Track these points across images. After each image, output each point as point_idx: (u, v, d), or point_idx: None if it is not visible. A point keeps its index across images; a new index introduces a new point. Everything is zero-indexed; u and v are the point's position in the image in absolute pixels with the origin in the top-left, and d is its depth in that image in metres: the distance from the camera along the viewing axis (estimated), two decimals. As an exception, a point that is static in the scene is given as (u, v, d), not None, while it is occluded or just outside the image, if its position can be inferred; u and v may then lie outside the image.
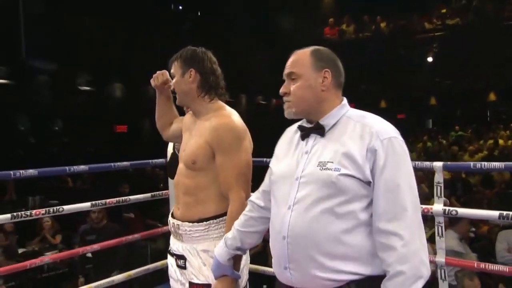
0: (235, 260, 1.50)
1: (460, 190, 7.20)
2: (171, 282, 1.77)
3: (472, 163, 2.39)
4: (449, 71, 12.44)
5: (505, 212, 2.13)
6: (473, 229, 4.09)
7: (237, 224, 1.47)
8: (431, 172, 2.54)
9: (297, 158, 1.30)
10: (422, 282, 1.16)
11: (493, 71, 11.81)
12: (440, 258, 2.42)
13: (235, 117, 1.66)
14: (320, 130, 1.29)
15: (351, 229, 1.19)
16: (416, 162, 2.55)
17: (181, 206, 1.69)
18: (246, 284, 1.66)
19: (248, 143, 1.65)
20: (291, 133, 1.40)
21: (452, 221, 3.81)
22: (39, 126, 9.42)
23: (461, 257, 3.30)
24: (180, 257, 1.69)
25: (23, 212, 2.39)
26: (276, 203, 1.32)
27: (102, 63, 9.20)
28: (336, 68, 1.33)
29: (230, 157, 1.60)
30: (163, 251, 2.40)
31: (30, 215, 2.40)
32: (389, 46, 12.29)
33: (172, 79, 1.74)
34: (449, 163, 2.46)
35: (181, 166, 1.72)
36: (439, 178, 2.37)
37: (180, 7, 12.51)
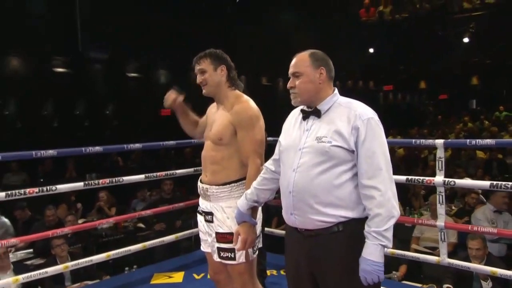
0: (253, 210, 1.92)
1: (496, 170, 7.31)
2: (200, 235, 2.21)
3: (468, 140, 2.70)
4: (489, 51, 12.17)
5: (494, 182, 2.46)
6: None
7: (255, 183, 1.91)
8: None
9: (299, 134, 1.70)
10: (393, 220, 1.56)
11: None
12: (440, 223, 2.76)
13: (251, 102, 2.09)
14: (317, 113, 1.69)
15: (339, 184, 1.60)
16: (420, 140, 2.89)
17: (209, 173, 2.10)
18: (260, 234, 2.08)
19: (262, 122, 2.08)
20: (295, 114, 1.81)
21: (488, 196, 4.05)
22: (95, 111, 10.17)
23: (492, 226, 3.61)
24: (208, 214, 2.11)
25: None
26: (284, 167, 1.73)
27: (149, 51, 9.77)
28: (329, 65, 1.71)
29: (249, 133, 2.02)
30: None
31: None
32: (427, 26, 12.13)
33: (202, 73, 2.10)
34: (448, 140, 2.79)
35: (208, 143, 2.14)
36: (440, 153, 2.70)
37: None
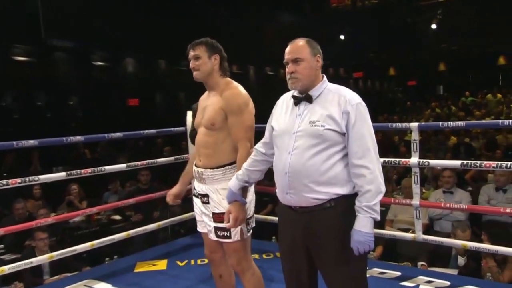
0: (243, 190, 2.08)
1: (464, 154, 7.71)
2: (196, 217, 2.36)
3: (441, 123, 2.93)
4: (455, 37, 12.64)
5: (465, 161, 2.70)
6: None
7: (245, 164, 2.07)
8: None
9: (292, 119, 1.85)
10: (381, 195, 1.75)
11: (502, 35, 12.01)
12: (415, 201, 2.99)
13: (240, 88, 2.25)
14: (309, 99, 1.84)
15: (331, 164, 1.78)
16: (396, 124, 3.11)
17: (203, 157, 2.25)
18: (253, 214, 2.24)
19: (251, 107, 2.24)
20: (284, 100, 1.96)
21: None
22: (58, 101, 10.00)
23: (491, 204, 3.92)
24: (204, 196, 2.26)
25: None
26: (278, 150, 1.89)
27: (116, 39, 9.68)
28: (321, 54, 1.89)
29: (239, 117, 2.18)
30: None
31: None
32: (396, 13, 12.46)
33: (196, 59, 2.23)
34: (423, 123, 3.00)
35: (201, 129, 2.28)
36: (415, 136, 2.92)
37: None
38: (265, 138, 2.04)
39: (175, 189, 2.45)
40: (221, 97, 2.22)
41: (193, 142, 3.03)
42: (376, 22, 12.74)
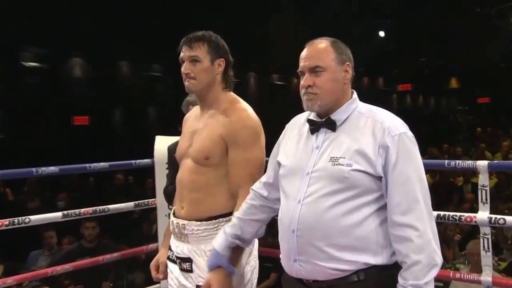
0: (233, 252, 2.04)
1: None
2: None
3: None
4: None
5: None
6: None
7: (237, 212, 2.04)
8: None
9: (307, 152, 1.85)
10: (436, 270, 1.70)
11: None
12: (486, 277, 2.94)
13: (251, 111, 2.23)
14: (331, 125, 1.84)
15: (360, 221, 1.75)
16: (457, 162, 3.08)
17: (187, 204, 2.22)
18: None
19: (263, 140, 2.23)
20: (297, 124, 1.96)
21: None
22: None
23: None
24: (185, 260, 2.20)
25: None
26: (285, 197, 1.88)
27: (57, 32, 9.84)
28: (352, 60, 1.88)
29: (245, 154, 2.15)
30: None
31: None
32: (461, 0, 12.58)
33: (193, 62, 2.22)
34: (496, 161, 2.97)
35: (187, 162, 2.26)
36: (483, 180, 2.90)
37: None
38: (268, 177, 2.05)
39: (160, 257, 2.38)
40: (222, 120, 2.21)
41: (169, 201, 3.00)
42: (431, 13, 12.87)
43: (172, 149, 3.01)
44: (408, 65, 16.10)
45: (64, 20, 9.90)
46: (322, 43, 1.88)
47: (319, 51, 1.86)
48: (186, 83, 2.25)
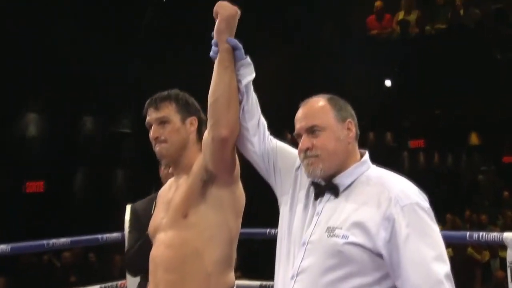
0: None
1: None
2: None
3: None
4: None
5: None
6: None
7: None
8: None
9: (307, 218, 1.93)
10: None
11: None
12: None
13: None
14: (333, 190, 1.91)
15: None
16: (481, 233, 3.09)
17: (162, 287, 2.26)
18: None
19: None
20: (305, 180, 2.05)
21: None
22: None
23: None
24: None
25: None
26: (278, 266, 1.95)
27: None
28: (354, 117, 1.98)
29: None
30: None
31: None
32: (477, 45, 12.80)
33: (161, 124, 2.35)
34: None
35: (161, 236, 2.32)
36: (512, 255, 2.90)
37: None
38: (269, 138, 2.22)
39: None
40: (198, 163, 2.37)
41: (132, 268, 3.06)
42: (443, 58, 13.04)
43: (137, 209, 3.09)
44: (420, 118, 16.25)
45: (16, 69, 10.01)
46: (319, 101, 1.99)
47: (315, 109, 1.97)
48: (156, 149, 2.36)
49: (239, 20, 2.19)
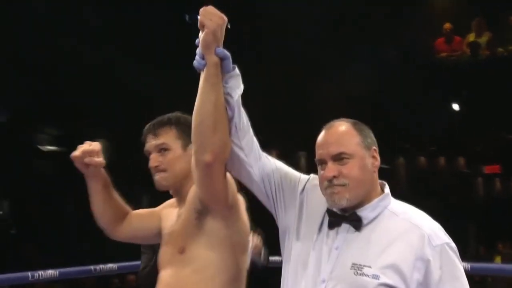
0: None
1: None
2: None
3: None
4: None
5: None
6: None
7: None
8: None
9: (323, 252, 1.83)
10: None
11: None
12: None
13: None
14: (355, 223, 1.82)
15: None
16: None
17: None
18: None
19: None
20: (319, 203, 1.94)
21: None
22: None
23: None
24: None
25: None
26: None
27: None
28: (377, 146, 1.92)
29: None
30: None
31: None
32: None
33: (161, 151, 2.25)
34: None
35: (161, 274, 2.24)
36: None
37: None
38: (269, 162, 2.06)
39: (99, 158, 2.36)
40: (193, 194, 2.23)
41: None
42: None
43: None
44: (494, 142, 15.88)
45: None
46: (343, 125, 1.90)
47: (341, 134, 1.88)
48: (156, 178, 2.25)
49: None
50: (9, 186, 10.79)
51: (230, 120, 1.97)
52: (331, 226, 1.86)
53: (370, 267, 1.74)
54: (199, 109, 1.95)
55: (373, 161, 1.89)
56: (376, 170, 1.90)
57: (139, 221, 2.43)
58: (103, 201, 2.34)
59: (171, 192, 2.33)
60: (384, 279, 1.72)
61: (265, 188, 2.04)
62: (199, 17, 1.98)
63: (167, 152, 2.24)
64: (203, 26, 1.93)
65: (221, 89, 1.96)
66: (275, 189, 2.03)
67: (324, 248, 1.84)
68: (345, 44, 12.67)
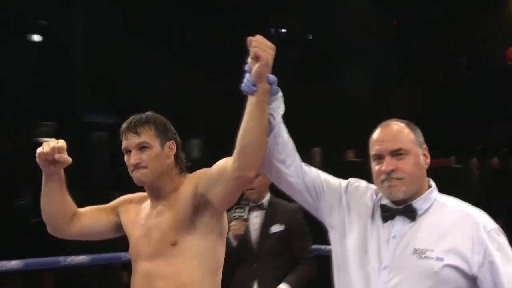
0: None
1: None
2: None
3: None
4: None
5: None
6: None
7: None
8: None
9: (379, 242, 1.96)
10: None
11: None
12: None
13: None
14: (411, 214, 1.95)
15: None
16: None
17: None
18: None
19: None
20: (363, 202, 2.08)
21: None
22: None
23: None
24: None
25: None
26: None
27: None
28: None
29: (213, 167, 2.31)
30: None
31: None
32: None
33: (141, 149, 2.29)
34: None
35: (143, 265, 2.32)
36: None
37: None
38: (309, 170, 2.17)
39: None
40: (186, 189, 2.34)
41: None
42: None
43: None
44: None
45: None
46: (398, 124, 2.03)
47: (398, 132, 2.00)
48: (136, 174, 2.29)
49: None
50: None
51: (269, 135, 2.09)
52: (386, 219, 1.98)
53: (432, 250, 1.86)
54: (249, 131, 2.05)
55: (424, 158, 1.99)
56: (427, 166, 2.00)
57: (89, 217, 2.47)
58: (59, 200, 2.38)
59: (146, 188, 2.38)
60: (448, 261, 1.84)
61: (309, 194, 2.15)
62: (252, 48, 2.00)
63: (147, 150, 2.28)
64: (257, 57, 1.98)
65: (267, 113, 2.07)
66: (319, 194, 2.14)
67: (381, 238, 1.96)
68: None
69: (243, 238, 3.72)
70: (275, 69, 2.04)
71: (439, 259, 1.86)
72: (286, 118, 2.15)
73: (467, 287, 1.89)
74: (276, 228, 3.73)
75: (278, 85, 2.08)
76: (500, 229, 1.94)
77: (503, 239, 1.91)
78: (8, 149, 10.45)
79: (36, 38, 12.46)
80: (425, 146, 2.02)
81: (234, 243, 3.66)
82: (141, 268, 2.33)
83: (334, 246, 2.12)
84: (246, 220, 3.66)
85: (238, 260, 3.73)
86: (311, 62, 14.78)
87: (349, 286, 2.01)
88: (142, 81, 11.63)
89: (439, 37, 14.45)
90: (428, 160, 2.02)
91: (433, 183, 2.04)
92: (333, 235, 2.13)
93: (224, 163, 2.21)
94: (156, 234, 2.31)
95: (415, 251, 1.89)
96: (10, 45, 10.87)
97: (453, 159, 15.27)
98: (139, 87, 11.61)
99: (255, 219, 3.78)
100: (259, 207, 3.74)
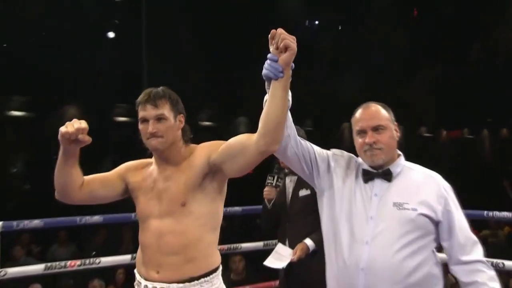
0: None
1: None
2: None
3: None
4: None
5: None
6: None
7: None
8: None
9: (364, 198, 2.38)
10: None
11: None
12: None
13: None
14: (388, 176, 2.38)
15: (423, 260, 2.29)
16: (494, 212, 4.00)
17: (164, 269, 2.47)
18: None
19: None
20: (345, 167, 2.49)
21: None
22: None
23: None
24: None
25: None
26: (348, 238, 2.35)
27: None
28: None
29: (231, 140, 2.48)
30: None
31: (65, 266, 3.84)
32: None
33: (159, 120, 2.47)
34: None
35: (155, 222, 2.51)
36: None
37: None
38: (310, 146, 2.49)
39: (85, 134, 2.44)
40: (198, 155, 2.53)
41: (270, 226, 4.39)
42: None
43: None
44: None
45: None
46: (377, 106, 2.44)
47: (377, 111, 2.41)
48: (152, 142, 2.46)
49: None
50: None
51: None
52: (367, 181, 2.37)
53: (408, 203, 2.26)
54: (278, 111, 2.20)
55: (396, 133, 2.39)
56: (398, 139, 2.40)
57: (97, 184, 2.62)
58: (72, 172, 2.51)
59: (158, 154, 2.54)
60: (421, 210, 2.25)
61: (305, 164, 2.47)
62: (280, 39, 2.14)
63: (164, 121, 2.45)
64: (286, 47, 2.13)
65: (289, 94, 2.25)
66: (312, 163, 2.48)
67: (364, 195, 2.35)
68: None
69: (281, 200, 4.15)
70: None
71: (414, 209, 2.29)
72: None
73: (433, 229, 2.33)
74: (303, 192, 3.99)
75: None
76: (451, 187, 2.41)
77: (453, 194, 2.40)
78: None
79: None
80: (396, 123, 2.46)
81: (269, 206, 4.17)
82: (153, 226, 2.51)
83: (326, 208, 2.50)
84: (276, 186, 4.12)
85: (278, 219, 4.19)
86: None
87: (339, 235, 2.39)
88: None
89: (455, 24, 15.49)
90: (399, 134, 2.45)
91: (400, 153, 2.48)
92: (325, 198, 2.51)
93: (245, 139, 2.36)
94: (167, 196, 2.51)
95: (395, 204, 2.31)
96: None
97: (466, 130, 16.61)
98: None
99: (290, 183, 4.14)
100: (293, 173, 3.83)
